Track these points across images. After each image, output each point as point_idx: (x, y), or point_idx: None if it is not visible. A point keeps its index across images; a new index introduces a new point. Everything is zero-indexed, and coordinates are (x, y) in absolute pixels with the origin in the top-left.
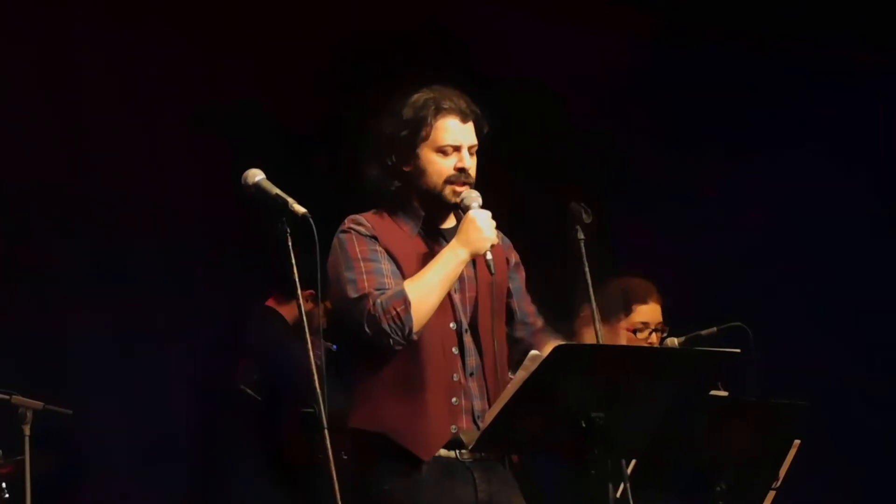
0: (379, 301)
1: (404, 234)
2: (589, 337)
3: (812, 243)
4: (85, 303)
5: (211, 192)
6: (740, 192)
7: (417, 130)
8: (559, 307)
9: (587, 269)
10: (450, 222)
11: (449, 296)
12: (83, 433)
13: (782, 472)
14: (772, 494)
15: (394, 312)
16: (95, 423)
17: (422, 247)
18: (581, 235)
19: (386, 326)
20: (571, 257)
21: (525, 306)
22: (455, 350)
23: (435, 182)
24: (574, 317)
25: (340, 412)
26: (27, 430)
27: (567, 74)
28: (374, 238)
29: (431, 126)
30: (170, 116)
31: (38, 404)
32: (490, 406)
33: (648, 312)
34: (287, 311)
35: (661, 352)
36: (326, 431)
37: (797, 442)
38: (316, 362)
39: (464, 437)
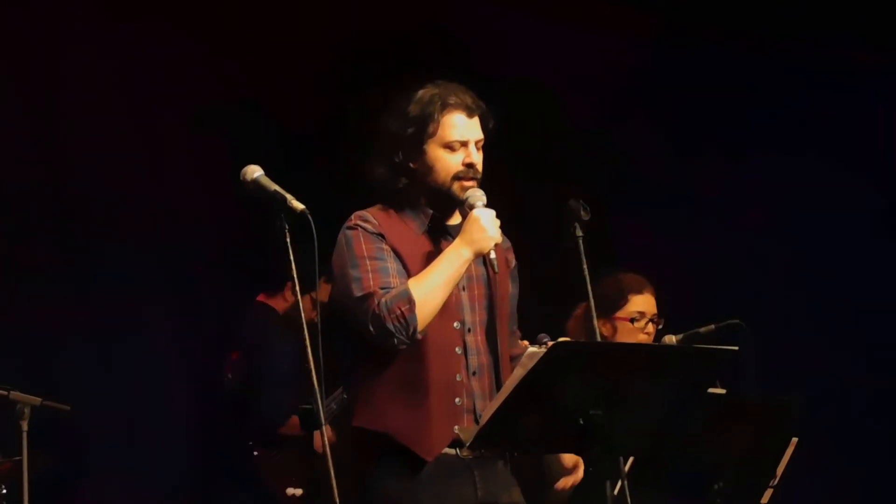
0: (383, 301)
1: (411, 232)
2: (585, 334)
3: (812, 243)
4: (83, 301)
5: (211, 192)
6: (740, 192)
7: (424, 127)
8: (558, 305)
9: (585, 266)
10: (455, 219)
11: (453, 295)
12: (82, 431)
13: (780, 469)
14: (770, 492)
15: (398, 312)
16: (94, 422)
17: (428, 245)
18: (579, 232)
19: (391, 326)
20: (569, 254)
21: (513, 314)
22: (458, 350)
23: (443, 179)
24: (569, 314)
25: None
26: (25, 426)
27: (567, 74)
28: (381, 236)
29: (438, 122)
30: (170, 116)
31: (37, 400)
32: None
33: (644, 302)
34: (278, 304)
35: (658, 349)
36: (324, 428)
37: (795, 440)
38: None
39: (461, 435)
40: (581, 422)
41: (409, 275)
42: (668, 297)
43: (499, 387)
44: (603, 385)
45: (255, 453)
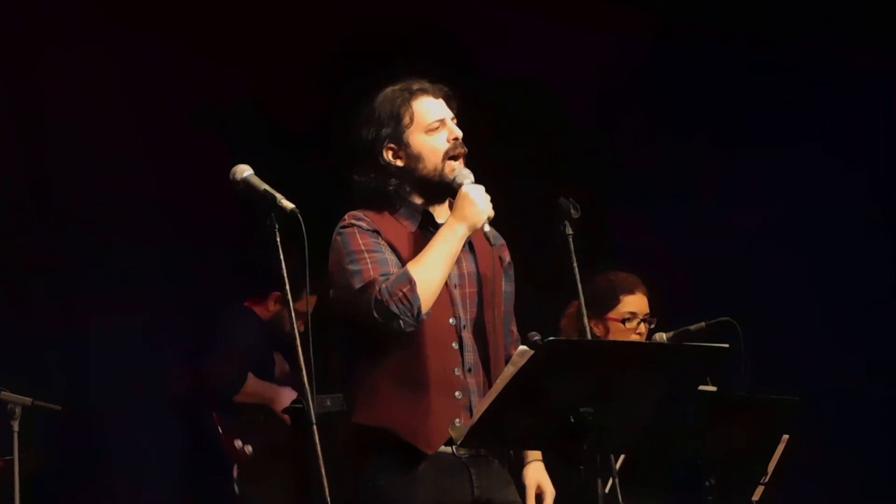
0: (385, 286)
1: (405, 229)
2: (578, 332)
3: (810, 241)
4: (81, 302)
5: (209, 191)
6: (738, 191)
7: (399, 120)
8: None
9: (575, 265)
10: (447, 213)
11: (448, 291)
12: (74, 431)
13: (771, 466)
14: (761, 489)
15: (400, 294)
16: (87, 422)
17: (422, 239)
18: (569, 230)
19: (395, 308)
20: (560, 252)
21: (510, 313)
22: (455, 345)
23: (434, 162)
24: (561, 312)
25: None
26: (16, 427)
27: (565, 73)
28: (377, 231)
29: (412, 110)
30: (169, 117)
31: (27, 400)
32: None
33: (636, 302)
34: (262, 311)
35: (649, 347)
36: (315, 427)
37: (786, 437)
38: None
39: (453, 434)
40: (572, 419)
41: None
42: (665, 295)
43: (491, 384)
44: (593, 383)
45: (213, 414)
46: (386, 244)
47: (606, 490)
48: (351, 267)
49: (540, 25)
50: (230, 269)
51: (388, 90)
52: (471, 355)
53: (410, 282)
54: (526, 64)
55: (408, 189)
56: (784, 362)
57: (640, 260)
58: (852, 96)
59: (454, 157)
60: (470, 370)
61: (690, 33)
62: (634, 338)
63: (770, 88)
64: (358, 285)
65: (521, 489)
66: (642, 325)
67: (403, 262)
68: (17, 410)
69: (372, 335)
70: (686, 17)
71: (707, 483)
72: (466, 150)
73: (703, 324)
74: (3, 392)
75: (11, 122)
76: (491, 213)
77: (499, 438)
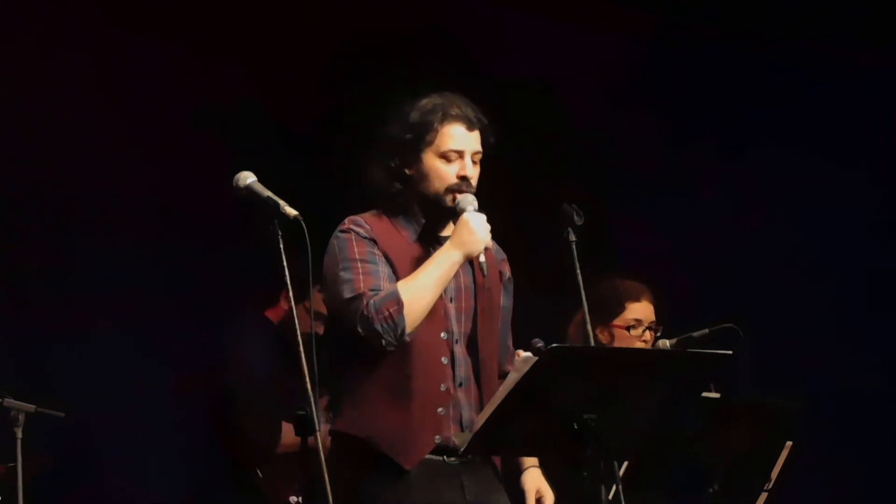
0: (372, 302)
1: (403, 239)
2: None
3: (811, 242)
4: (81, 302)
5: (210, 192)
6: (739, 191)
7: (423, 135)
8: (554, 308)
9: (579, 271)
10: (448, 230)
11: (443, 305)
12: (77, 435)
13: (774, 473)
14: (764, 496)
15: (386, 313)
16: (90, 425)
17: (420, 253)
18: (573, 237)
19: (378, 327)
20: (562, 257)
21: (507, 328)
22: (445, 360)
23: (436, 189)
24: (569, 319)
25: None
26: (19, 433)
27: (565, 73)
28: (373, 241)
29: (437, 131)
30: (169, 117)
31: (31, 407)
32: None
33: (641, 310)
34: (274, 315)
35: (652, 353)
36: (318, 433)
37: (789, 443)
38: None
39: (456, 440)
40: (575, 426)
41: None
42: (666, 296)
43: (487, 397)
44: (597, 389)
45: (257, 471)
46: (381, 254)
47: (610, 496)
48: (343, 275)
49: (540, 25)
50: (230, 269)
51: (431, 101)
52: (462, 370)
53: (398, 302)
54: (526, 64)
55: (410, 198)
56: (785, 363)
57: (640, 261)
58: (852, 96)
59: (457, 192)
60: (461, 384)
61: (690, 33)
62: (639, 345)
63: (770, 89)
64: (347, 295)
65: (520, 495)
66: (647, 332)
67: (397, 273)
68: (21, 417)
69: (360, 343)
70: (686, 17)
71: (710, 490)
72: (473, 190)
73: (706, 330)
74: (6, 400)
75: (11, 122)
76: (489, 243)
77: (502, 445)
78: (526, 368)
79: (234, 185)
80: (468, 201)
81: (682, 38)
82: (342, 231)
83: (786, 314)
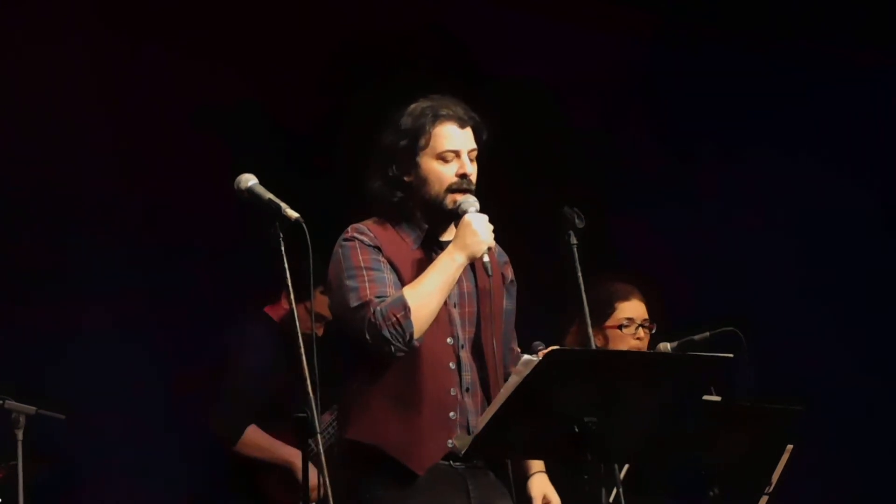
0: (379, 309)
1: (406, 245)
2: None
3: (811, 243)
4: (81, 302)
5: (210, 192)
6: (739, 192)
7: (416, 139)
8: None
9: (580, 275)
10: (450, 234)
11: (447, 310)
12: (77, 436)
13: (775, 476)
14: (765, 499)
15: (394, 319)
16: (90, 427)
17: (423, 259)
18: (574, 240)
19: (387, 333)
20: (564, 262)
21: (510, 331)
22: (452, 365)
23: (437, 190)
24: (569, 323)
25: None
26: (20, 435)
27: (565, 74)
28: (378, 248)
29: (430, 134)
30: (169, 117)
31: (31, 409)
32: None
33: (632, 308)
34: (273, 312)
35: (652, 356)
36: (319, 436)
37: (790, 447)
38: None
39: (457, 443)
40: (576, 429)
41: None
42: (667, 297)
43: (490, 404)
44: (597, 392)
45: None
46: (386, 261)
47: (611, 499)
48: (349, 283)
49: (540, 25)
50: (230, 269)
51: (420, 105)
52: (469, 375)
53: (405, 307)
54: (526, 64)
55: (412, 205)
56: (785, 364)
57: (640, 261)
58: (852, 96)
59: (458, 191)
60: (468, 389)
61: (690, 33)
62: (634, 343)
63: (770, 89)
64: (353, 303)
65: (527, 501)
66: (641, 330)
67: (402, 280)
68: (22, 419)
69: (367, 351)
70: (686, 17)
71: (711, 493)
72: (473, 187)
73: (707, 333)
74: (6, 401)
75: (11, 123)
76: (492, 243)
77: (503, 448)
78: (526, 371)
79: (236, 187)
80: (470, 203)
81: (682, 38)
82: (346, 239)
83: (786, 314)
